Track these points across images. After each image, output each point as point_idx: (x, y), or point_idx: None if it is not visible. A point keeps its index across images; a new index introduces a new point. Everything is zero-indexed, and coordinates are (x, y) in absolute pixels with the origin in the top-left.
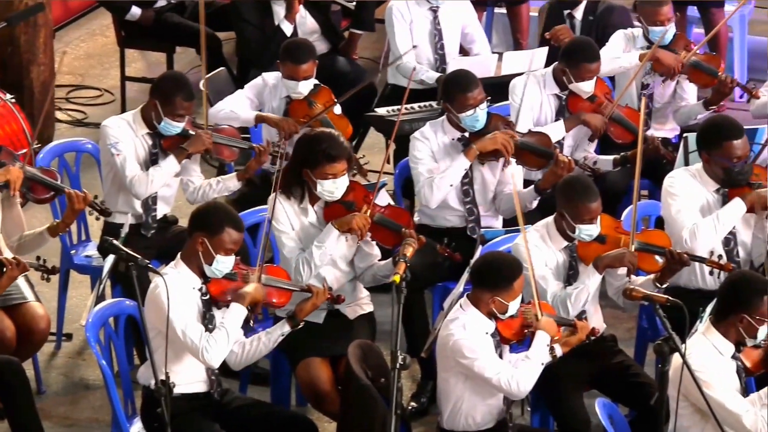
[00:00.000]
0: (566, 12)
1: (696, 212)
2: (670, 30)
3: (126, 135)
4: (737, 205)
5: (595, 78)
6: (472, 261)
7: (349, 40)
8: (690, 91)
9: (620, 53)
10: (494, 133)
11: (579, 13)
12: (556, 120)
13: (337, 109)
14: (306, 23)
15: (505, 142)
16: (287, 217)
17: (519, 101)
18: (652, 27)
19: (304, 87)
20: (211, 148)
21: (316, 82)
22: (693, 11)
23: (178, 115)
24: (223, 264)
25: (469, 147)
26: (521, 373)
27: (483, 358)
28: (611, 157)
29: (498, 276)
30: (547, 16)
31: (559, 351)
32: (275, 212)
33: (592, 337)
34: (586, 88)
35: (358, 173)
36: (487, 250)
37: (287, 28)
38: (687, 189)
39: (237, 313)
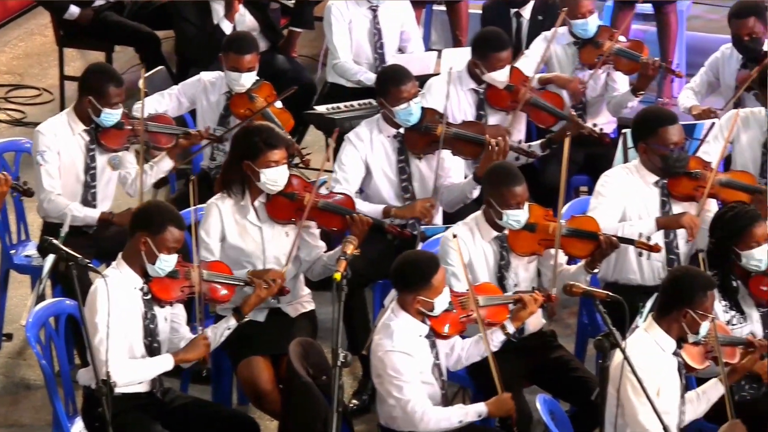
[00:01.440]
0: (513, 11)
1: (611, 216)
2: (592, 22)
3: (60, 139)
4: (647, 224)
5: (508, 67)
6: None
7: (288, 38)
8: (621, 81)
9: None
10: (414, 203)
11: (527, 12)
12: (476, 115)
13: (278, 103)
14: (245, 21)
15: (425, 211)
16: (220, 224)
17: (435, 100)
18: (574, 20)
19: (247, 79)
20: None
21: (257, 78)
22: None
23: (114, 104)
24: (165, 263)
25: (388, 209)
26: (434, 413)
27: (404, 380)
28: (539, 142)
29: (414, 275)
30: (490, 15)
31: (511, 328)
32: (208, 221)
33: (549, 303)
34: (500, 77)
35: (300, 162)
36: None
37: (227, 27)
38: (618, 189)
39: (163, 363)
